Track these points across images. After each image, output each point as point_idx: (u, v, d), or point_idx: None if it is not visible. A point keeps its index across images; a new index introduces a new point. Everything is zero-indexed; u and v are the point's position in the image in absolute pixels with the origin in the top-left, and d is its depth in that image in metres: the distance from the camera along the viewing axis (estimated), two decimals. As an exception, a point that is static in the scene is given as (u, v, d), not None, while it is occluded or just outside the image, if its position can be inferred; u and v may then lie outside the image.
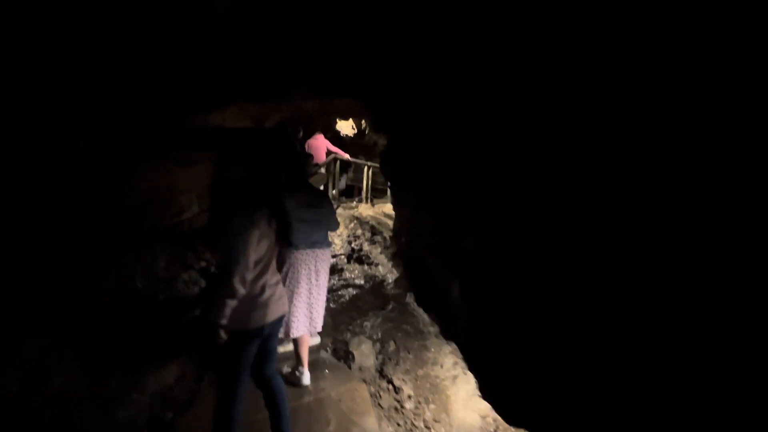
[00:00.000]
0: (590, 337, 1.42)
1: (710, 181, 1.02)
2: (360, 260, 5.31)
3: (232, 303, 1.64)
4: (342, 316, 4.12)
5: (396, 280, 4.90)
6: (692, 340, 1.10)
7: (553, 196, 1.51)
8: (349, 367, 3.01)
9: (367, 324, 3.98)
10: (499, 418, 2.27)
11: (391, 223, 6.99)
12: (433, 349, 3.35)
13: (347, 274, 4.96)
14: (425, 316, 4.15)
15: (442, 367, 3.02)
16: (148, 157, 5.16)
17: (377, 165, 9.08)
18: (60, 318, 2.97)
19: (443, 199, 2.43)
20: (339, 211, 6.88)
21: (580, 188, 1.39)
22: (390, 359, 3.17)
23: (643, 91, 1.24)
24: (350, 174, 8.78)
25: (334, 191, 7.67)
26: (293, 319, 2.50)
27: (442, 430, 2.44)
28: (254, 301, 1.76)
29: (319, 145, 6.85)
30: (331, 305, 4.28)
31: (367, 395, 2.62)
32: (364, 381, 2.87)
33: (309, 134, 6.76)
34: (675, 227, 1.13)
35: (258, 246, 1.72)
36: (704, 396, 1.06)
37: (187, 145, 5.98)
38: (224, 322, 1.65)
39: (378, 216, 7.37)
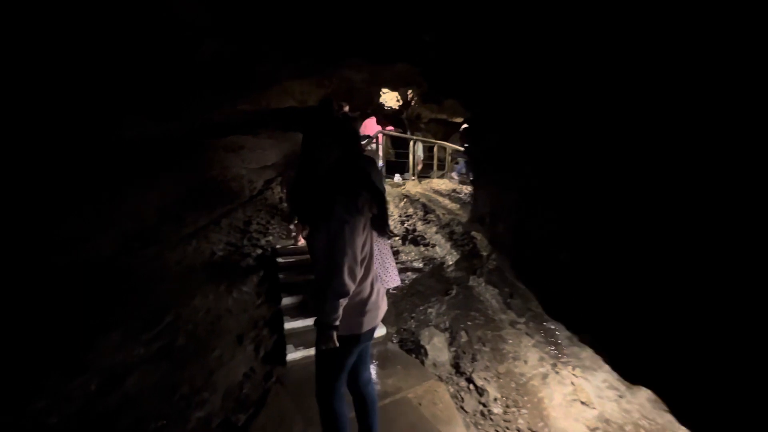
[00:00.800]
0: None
1: None
2: (415, 241, 5.02)
3: (344, 302, 1.43)
4: (403, 303, 3.89)
5: (457, 262, 4.57)
6: None
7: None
8: (422, 363, 2.77)
9: (432, 311, 3.72)
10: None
11: (442, 200, 6.61)
12: (510, 341, 3.03)
13: (403, 257, 4.70)
14: (493, 302, 3.83)
15: (526, 363, 2.71)
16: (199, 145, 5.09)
17: (423, 139, 8.65)
18: (127, 313, 2.96)
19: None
20: (387, 189, 6.60)
21: None
22: (465, 353, 2.90)
23: None
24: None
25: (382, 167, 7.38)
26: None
27: (539, 439, 2.15)
28: (364, 301, 1.55)
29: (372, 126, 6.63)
30: (391, 291, 4.06)
31: (448, 397, 2.37)
32: (440, 378, 2.62)
33: (353, 110, 6.46)
34: None
35: (364, 235, 1.49)
36: None
37: (236, 131, 5.88)
38: (338, 323, 1.44)
39: (428, 193, 7.00)
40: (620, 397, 2.43)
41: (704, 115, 1.34)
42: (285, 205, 5.27)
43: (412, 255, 4.78)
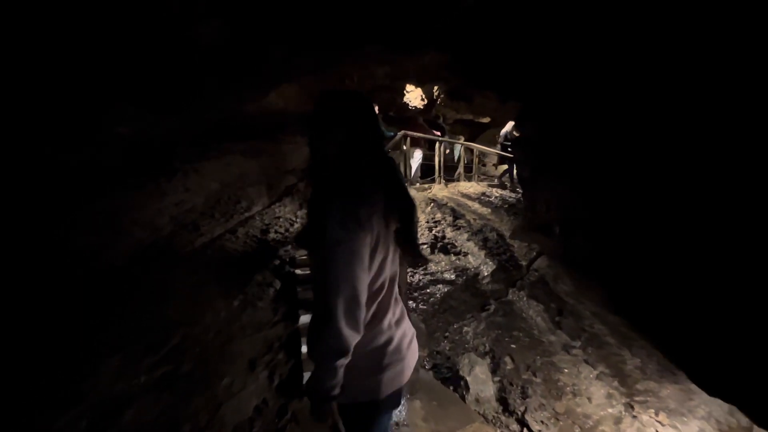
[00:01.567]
0: None
1: None
2: (445, 249, 4.60)
3: (344, 361, 0.97)
4: (435, 320, 3.48)
5: (493, 273, 4.12)
6: None
7: None
8: (463, 398, 2.34)
9: (468, 330, 3.29)
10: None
11: (472, 204, 6.17)
12: (566, 370, 2.56)
13: (433, 267, 4.28)
14: (539, 320, 3.35)
15: (590, 401, 2.24)
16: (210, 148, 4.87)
17: (447, 141, 8.22)
18: (131, 333, 2.68)
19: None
20: (411, 193, 6.21)
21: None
22: (512, 384, 2.45)
23: None
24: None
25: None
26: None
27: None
28: (381, 352, 1.07)
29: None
30: (421, 306, 3.65)
31: (498, 446, 1.94)
32: (486, 419, 2.19)
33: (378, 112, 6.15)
34: None
35: (374, 260, 1.02)
36: None
37: (253, 134, 5.66)
38: (337, 392, 0.98)
39: (455, 197, 6.57)
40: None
41: None
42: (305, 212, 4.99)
43: (442, 265, 4.35)
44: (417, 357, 1.23)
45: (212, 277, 3.51)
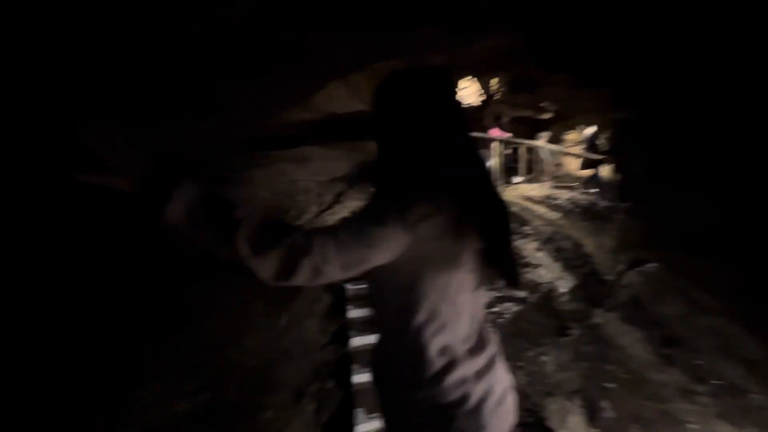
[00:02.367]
0: None
1: None
2: (511, 261, 4.06)
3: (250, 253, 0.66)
4: (506, 347, 2.97)
5: (572, 290, 3.52)
6: None
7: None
8: (555, 458, 1.85)
9: (547, 360, 2.76)
10: None
11: (537, 209, 5.55)
12: (693, 425, 1.96)
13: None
14: (639, 350, 2.74)
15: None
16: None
17: (514, 141, 7.64)
18: (170, 356, 2.50)
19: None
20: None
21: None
22: (618, 442, 1.91)
23: None
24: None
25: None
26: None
27: None
28: (449, 414, 0.82)
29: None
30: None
31: None
32: (590, 491, 1.68)
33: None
34: None
35: (423, 278, 0.79)
36: None
37: (299, 142, 5.56)
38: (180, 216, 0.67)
39: (517, 201, 5.98)
40: None
41: None
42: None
43: (509, 279, 3.83)
44: (511, 421, 0.91)
45: (257, 292, 3.30)
